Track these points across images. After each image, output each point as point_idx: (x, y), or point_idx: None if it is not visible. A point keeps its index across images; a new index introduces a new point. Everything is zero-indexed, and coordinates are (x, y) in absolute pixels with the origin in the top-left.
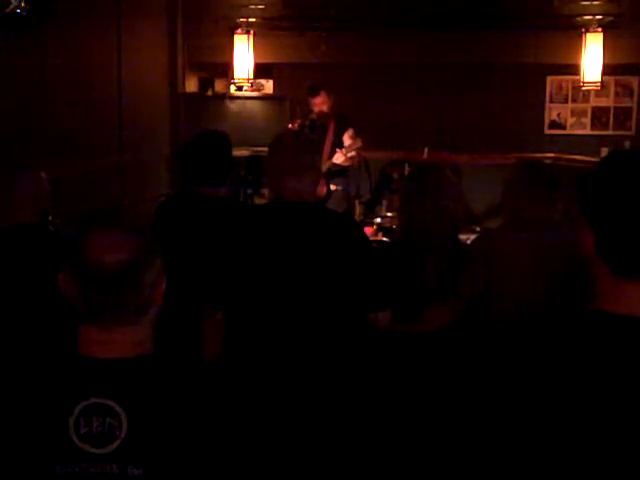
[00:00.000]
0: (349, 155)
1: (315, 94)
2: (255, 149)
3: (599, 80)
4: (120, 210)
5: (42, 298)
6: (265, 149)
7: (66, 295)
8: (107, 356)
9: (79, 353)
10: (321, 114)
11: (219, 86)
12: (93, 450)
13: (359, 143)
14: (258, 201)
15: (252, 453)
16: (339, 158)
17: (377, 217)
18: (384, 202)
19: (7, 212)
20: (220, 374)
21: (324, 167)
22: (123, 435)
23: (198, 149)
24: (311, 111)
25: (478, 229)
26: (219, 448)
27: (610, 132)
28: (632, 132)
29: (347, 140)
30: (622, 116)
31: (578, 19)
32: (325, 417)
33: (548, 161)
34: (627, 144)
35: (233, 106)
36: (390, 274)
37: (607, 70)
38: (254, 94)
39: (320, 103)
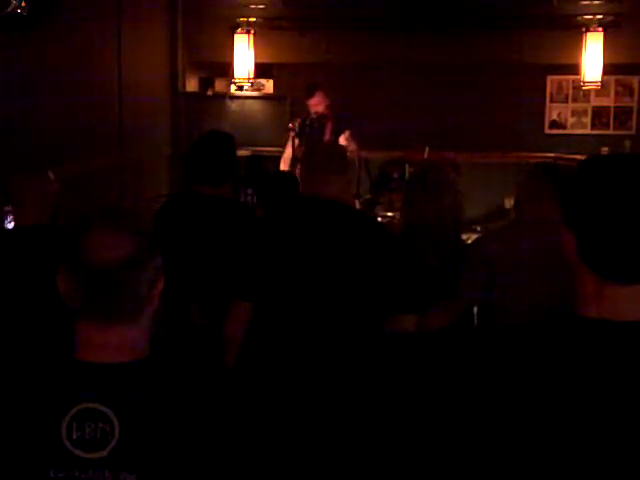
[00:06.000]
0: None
1: (310, 95)
2: (255, 149)
3: (599, 80)
4: (120, 208)
5: (54, 299)
6: (265, 149)
7: (63, 293)
8: (102, 360)
9: (74, 357)
10: (317, 115)
11: (219, 86)
12: (85, 455)
13: (353, 146)
14: (258, 201)
15: (249, 457)
16: None
17: (377, 217)
18: (384, 202)
19: (17, 213)
20: (234, 372)
21: None
22: (115, 441)
23: (200, 149)
24: (309, 111)
25: (479, 229)
26: (213, 453)
27: (611, 132)
28: (633, 132)
29: (343, 142)
30: (623, 116)
31: (578, 19)
32: (338, 416)
33: (549, 161)
34: (628, 144)
35: (233, 106)
36: (417, 279)
37: (607, 70)
38: (254, 94)
39: (316, 104)
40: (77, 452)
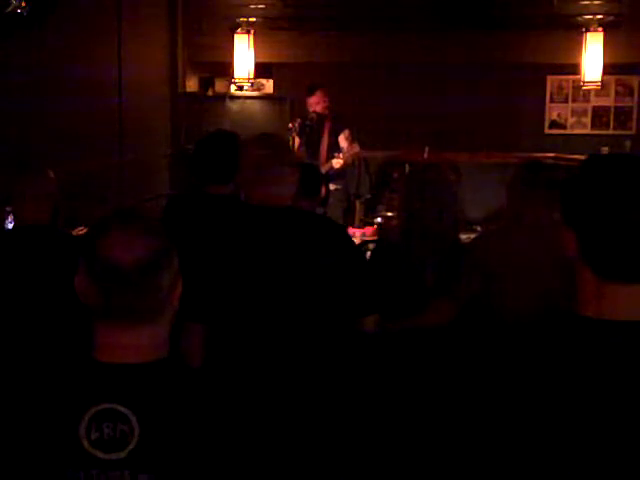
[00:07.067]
0: (346, 161)
1: (310, 94)
2: None
3: (599, 80)
4: (138, 208)
5: (56, 300)
6: None
7: (82, 295)
8: (121, 361)
9: (93, 357)
10: (316, 114)
11: (219, 86)
12: (104, 456)
13: (356, 148)
14: None
15: (261, 459)
16: (338, 163)
17: (377, 217)
18: (384, 202)
19: (17, 213)
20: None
21: (323, 169)
22: (135, 441)
23: (204, 147)
24: (309, 111)
25: (479, 229)
26: (231, 455)
27: (610, 132)
28: (633, 132)
29: (342, 141)
30: (623, 116)
31: (578, 19)
32: (320, 419)
33: (549, 161)
34: (628, 144)
35: (233, 106)
36: (377, 278)
37: (607, 70)
38: (254, 94)
39: (315, 103)
40: (96, 453)
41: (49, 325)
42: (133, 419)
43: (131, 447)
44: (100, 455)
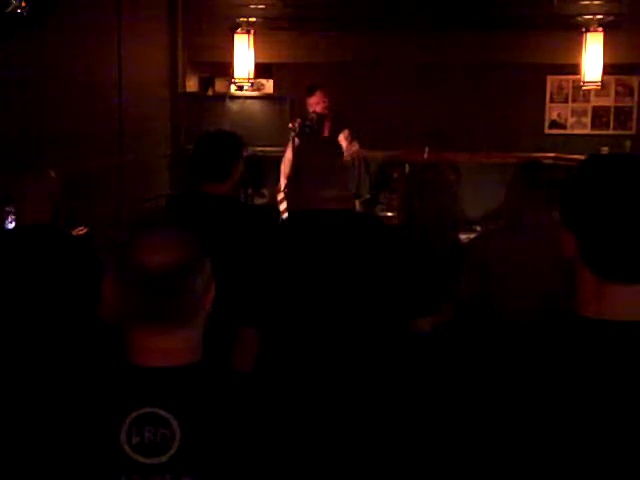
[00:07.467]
0: (346, 160)
1: (310, 94)
2: (255, 149)
3: (599, 80)
4: (168, 213)
5: (57, 300)
6: (265, 149)
7: (116, 299)
8: (158, 364)
9: (129, 362)
10: (316, 114)
11: (219, 86)
12: (145, 460)
13: (355, 147)
14: (259, 201)
15: (303, 462)
16: None
17: (377, 217)
18: (384, 202)
19: (18, 213)
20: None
21: None
22: (176, 445)
23: (202, 145)
24: (309, 111)
25: (479, 229)
26: (273, 458)
27: (610, 132)
28: (633, 132)
29: (342, 141)
30: (622, 116)
31: (578, 19)
32: (366, 426)
33: (548, 161)
34: (628, 144)
35: (233, 106)
36: (433, 280)
37: (607, 70)
38: (254, 94)
39: (314, 103)
40: (137, 457)
41: (49, 325)
42: (174, 423)
43: (172, 451)
44: (141, 460)
